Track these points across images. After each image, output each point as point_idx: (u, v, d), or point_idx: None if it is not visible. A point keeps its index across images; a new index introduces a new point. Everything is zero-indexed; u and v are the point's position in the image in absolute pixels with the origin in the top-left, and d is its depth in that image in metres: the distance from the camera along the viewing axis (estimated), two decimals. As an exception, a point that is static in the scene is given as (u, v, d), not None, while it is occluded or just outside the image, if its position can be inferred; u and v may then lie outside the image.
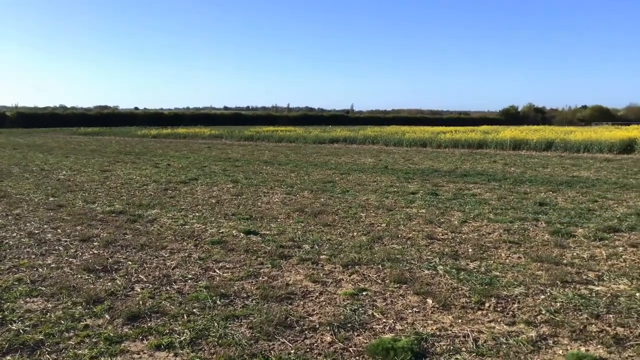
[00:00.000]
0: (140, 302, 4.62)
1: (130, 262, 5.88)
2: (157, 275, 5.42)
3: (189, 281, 5.25)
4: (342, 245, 6.60)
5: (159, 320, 4.25)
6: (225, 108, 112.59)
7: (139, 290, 4.99)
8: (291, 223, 7.93)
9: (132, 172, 15.19)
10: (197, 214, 8.62)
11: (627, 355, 3.65)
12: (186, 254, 6.21)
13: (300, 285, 5.10)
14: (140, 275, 5.43)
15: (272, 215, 8.54)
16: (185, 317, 4.30)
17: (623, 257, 6.07)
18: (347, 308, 4.49)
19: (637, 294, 4.80)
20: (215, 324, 4.14)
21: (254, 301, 4.68)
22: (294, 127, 47.84)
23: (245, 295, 4.83)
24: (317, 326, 4.14)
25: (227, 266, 5.75)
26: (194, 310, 4.46)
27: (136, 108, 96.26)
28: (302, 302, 4.66)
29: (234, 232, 7.32)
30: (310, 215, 8.50)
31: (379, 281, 5.22)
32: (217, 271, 5.56)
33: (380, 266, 5.69)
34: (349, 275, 5.41)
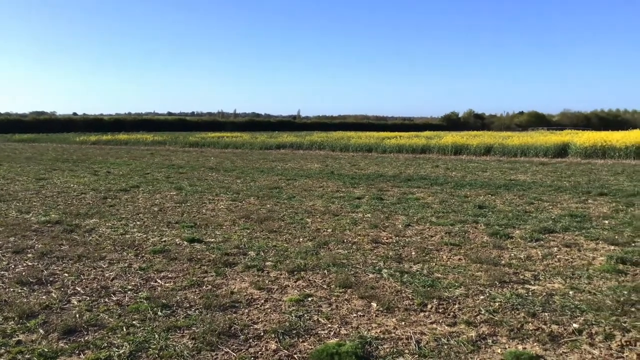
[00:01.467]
0: (77, 316, 4.43)
1: (66, 274, 5.64)
2: (95, 287, 5.22)
3: (129, 292, 5.08)
4: (288, 251, 6.57)
5: (96, 334, 4.09)
6: (169, 113, 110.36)
7: (75, 303, 4.79)
8: (237, 230, 7.83)
9: (70, 180, 14.61)
10: (138, 223, 8.37)
11: (561, 351, 3.81)
12: (126, 264, 6.02)
13: (245, 293, 5.03)
14: (77, 288, 5.21)
15: (217, 222, 8.41)
16: (125, 330, 4.15)
17: (557, 257, 6.34)
18: (293, 314, 4.47)
19: (571, 292, 5.02)
20: (156, 336, 4.02)
21: (197, 311, 4.58)
22: (241, 133, 47.42)
23: (187, 305, 4.72)
24: (262, 334, 4.10)
25: (170, 276, 5.60)
26: (134, 322, 4.32)
27: (75, 114, 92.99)
28: (246, 310, 4.60)
29: (177, 240, 7.16)
30: (256, 221, 8.43)
31: (325, 286, 5.23)
32: (159, 281, 5.42)
33: (325, 271, 5.71)
34: (295, 282, 5.40)
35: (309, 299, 4.88)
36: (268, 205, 10.11)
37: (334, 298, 4.90)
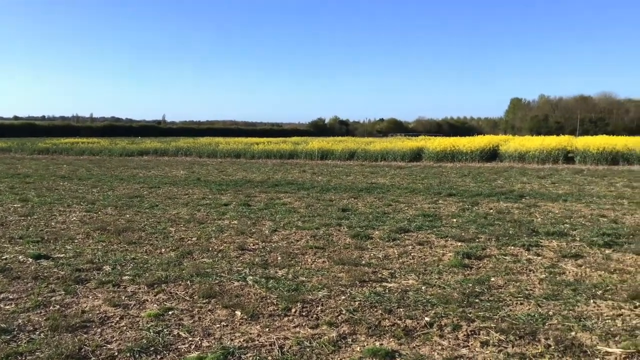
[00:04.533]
0: None
1: None
2: None
3: (-41, 319, 4.47)
4: (148, 263, 6.25)
5: None
6: (16, 118, 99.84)
7: None
8: (90, 243, 7.28)
9: None
10: (-27, 240, 7.43)
11: (414, 345, 4.04)
12: (-44, 288, 5.30)
13: (98, 311, 4.68)
14: None
15: (68, 235, 7.75)
16: (-48, 363, 3.64)
17: (412, 254, 6.76)
18: (151, 330, 4.24)
19: (423, 287, 5.37)
20: (-9, 367, 3.58)
21: (42, 334, 4.16)
22: (98, 139, 44.42)
23: (31, 328, 4.27)
24: (116, 354, 3.83)
25: (10, 297, 5.03)
26: (-36, 353, 3.80)
27: None
28: (99, 330, 4.28)
29: (20, 257, 6.47)
30: (114, 233, 7.90)
31: (187, 298, 5.05)
32: (-3, 304, 4.84)
33: (188, 282, 5.51)
34: (155, 295, 5.13)
35: (170, 312, 4.66)
36: (127, 215, 9.55)
37: (196, 310, 4.74)
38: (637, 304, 4.87)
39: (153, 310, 4.70)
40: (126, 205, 10.83)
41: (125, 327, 4.33)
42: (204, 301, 4.95)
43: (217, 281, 5.56)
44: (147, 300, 4.99)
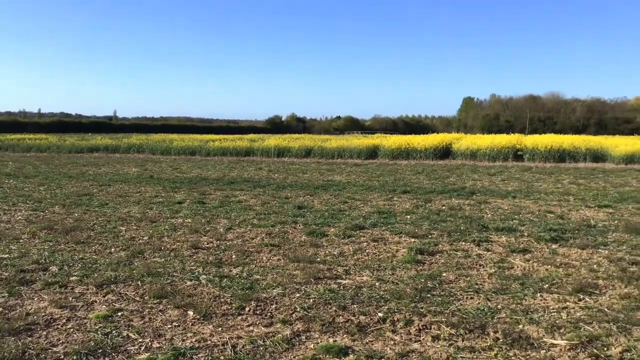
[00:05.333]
0: None
1: None
2: None
3: None
4: (97, 263, 6.06)
5: None
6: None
7: None
8: (37, 243, 7.01)
9: None
10: None
11: (367, 340, 4.07)
12: None
13: (43, 314, 4.50)
14: None
15: (12, 235, 7.43)
16: None
17: (366, 251, 6.81)
18: (99, 332, 4.11)
19: (377, 284, 5.42)
20: None
21: (-18, 339, 3.97)
22: (47, 135, 42.81)
23: (-30, 334, 4.07)
24: (62, 357, 3.69)
25: (-53, 301, 4.78)
26: None
27: None
28: (45, 332, 4.12)
29: (-41, 259, 6.16)
30: (61, 232, 7.63)
31: (138, 298, 4.92)
32: None
33: (139, 282, 5.38)
34: (104, 296, 4.98)
35: (119, 313, 4.54)
36: (76, 214, 9.25)
37: (147, 310, 4.63)
38: (582, 297, 5.07)
39: (102, 311, 4.56)
40: (75, 203, 10.48)
41: (72, 329, 4.18)
42: (155, 301, 4.84)
43: (169, 281, 5.45)
44: (96, 302, 4.84)
